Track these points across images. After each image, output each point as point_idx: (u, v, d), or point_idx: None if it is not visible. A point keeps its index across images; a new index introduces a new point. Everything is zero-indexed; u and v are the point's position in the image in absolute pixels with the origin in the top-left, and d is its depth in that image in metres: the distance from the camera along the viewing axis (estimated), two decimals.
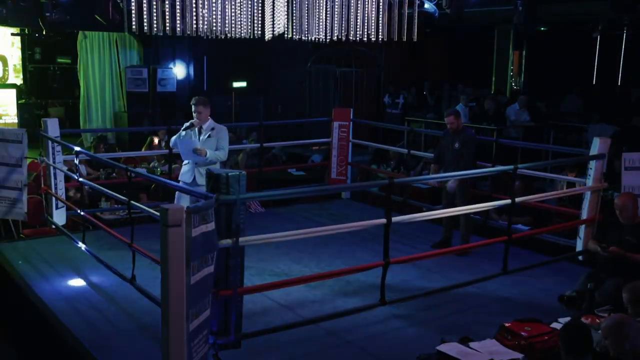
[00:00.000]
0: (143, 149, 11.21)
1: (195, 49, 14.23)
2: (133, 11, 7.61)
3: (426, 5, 9.60)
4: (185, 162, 6.50)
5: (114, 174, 9.59)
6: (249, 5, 8.10)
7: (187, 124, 6.44)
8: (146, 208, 5.41)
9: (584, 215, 6.62)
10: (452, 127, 7.23)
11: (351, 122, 9.52)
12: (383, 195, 7.84)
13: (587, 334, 3.72)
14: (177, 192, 6.45)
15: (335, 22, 8.40)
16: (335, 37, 8.57)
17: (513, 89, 16.59)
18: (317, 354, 4.89)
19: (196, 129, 6.41)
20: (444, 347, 4.60)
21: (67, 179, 7.51)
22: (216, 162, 6.44)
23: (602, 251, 5.66)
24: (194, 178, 6.37)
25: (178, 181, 6.51)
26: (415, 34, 8.62)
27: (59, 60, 15.67)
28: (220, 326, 4.44)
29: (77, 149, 6.75)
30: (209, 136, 6.38)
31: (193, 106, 6.38)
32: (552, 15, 12.40)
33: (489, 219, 7.89)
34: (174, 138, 6.58)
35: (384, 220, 5.06)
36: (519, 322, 4.86)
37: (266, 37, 8.41)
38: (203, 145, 6.35)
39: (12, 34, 14.51)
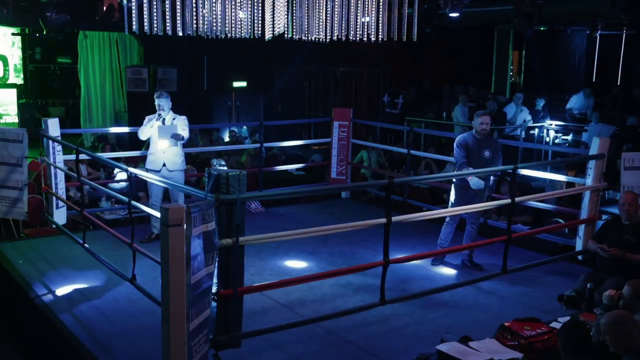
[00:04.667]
0: (143, 149, 11.20)
1: (195, 49, 14.21)
2: (133, 11, 7.61)
3: None
4: (151, 152, 7.21)
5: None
6: (249, 5, 8.09)
7: (155, 116, 7.14)
8: (146, 208, 5.42)
9: (584, 214, 6.63)
10: (485, 131, 6.52)
11: (351, 122, 9.54)
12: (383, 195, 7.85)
13: (586, 334, 3.73)
14: (151, 182, 6.94)
15: (335, 22, 8.38)
16: (335, 37, 8.56)
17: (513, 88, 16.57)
18: (317, 354, 4.90)
19: (160, 119, 7.14)
20: (444, 347, 4.61)
21: (68, 178, 7.52)
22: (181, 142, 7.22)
23: (602, 252, 5.67)
24: (164, 165, 7.12)
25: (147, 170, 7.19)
26: (415, 34, 8.59)
27: (60, 60, 15.69)
28: (220, 325, 4.45)
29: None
30: (172, 124, 7.17)
31: (156, 99, 7.19)
32: (552, 15, 12.40)
33: (488, 219, 7.89)
34: (142, 129, 7.19)
35: (384, 220, 5.06)
36: (519, 322, 4.87)
37: (266, 37, 8.39)
38: None
39: (13, 34, 14.53)
